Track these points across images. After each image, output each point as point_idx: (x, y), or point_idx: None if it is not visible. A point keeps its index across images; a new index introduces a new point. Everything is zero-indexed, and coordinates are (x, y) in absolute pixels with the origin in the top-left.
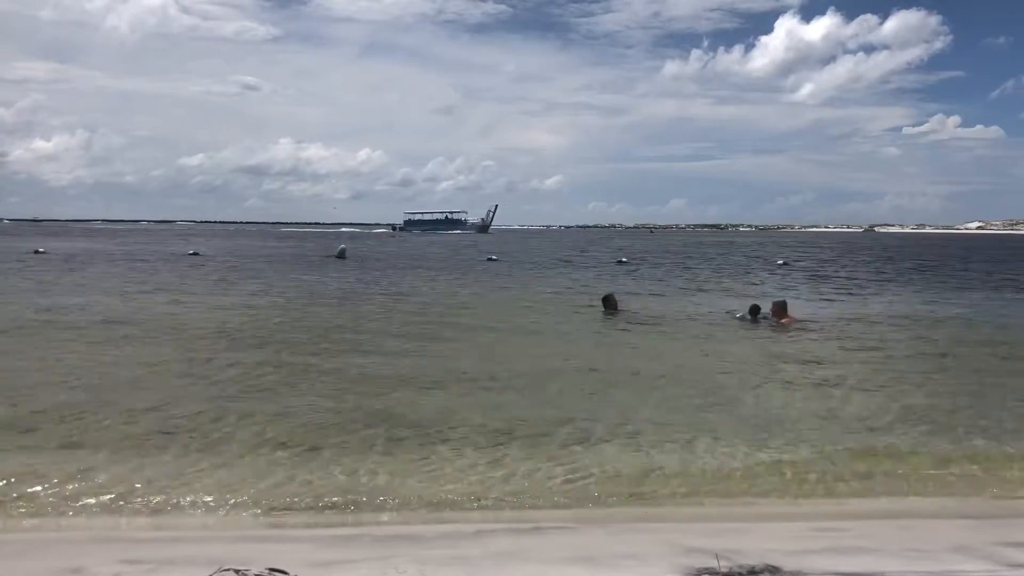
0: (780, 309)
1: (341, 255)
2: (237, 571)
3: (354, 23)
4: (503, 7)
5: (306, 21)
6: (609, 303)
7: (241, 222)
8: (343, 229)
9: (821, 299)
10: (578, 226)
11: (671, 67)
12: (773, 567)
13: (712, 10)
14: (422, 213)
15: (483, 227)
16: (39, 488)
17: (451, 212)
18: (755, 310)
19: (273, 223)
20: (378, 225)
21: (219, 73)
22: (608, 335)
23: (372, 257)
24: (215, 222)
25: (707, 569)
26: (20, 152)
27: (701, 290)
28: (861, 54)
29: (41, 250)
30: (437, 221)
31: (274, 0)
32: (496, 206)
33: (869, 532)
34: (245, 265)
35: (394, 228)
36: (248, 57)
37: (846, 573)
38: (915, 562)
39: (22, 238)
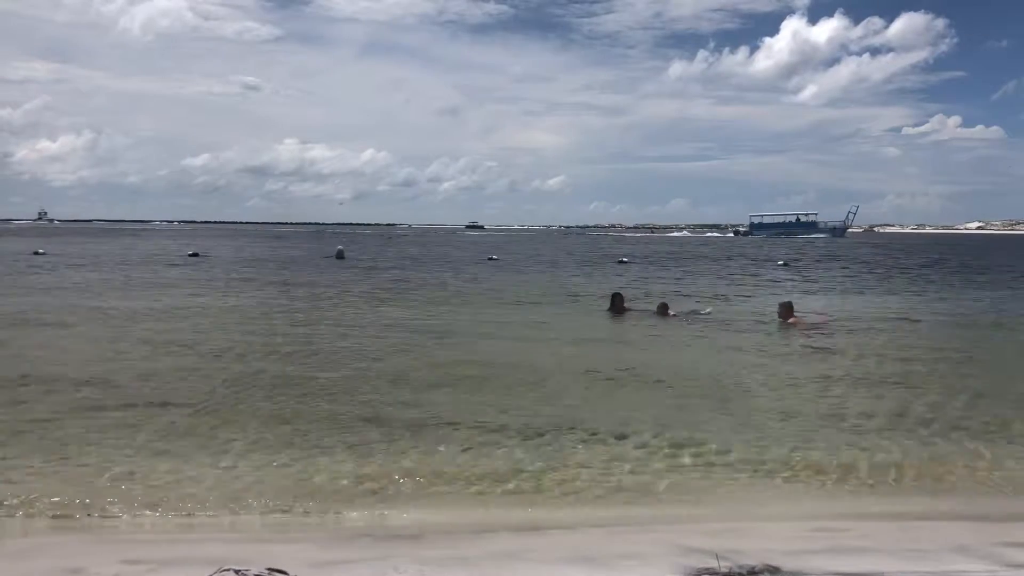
0: (787, 310)
1: (340, 256)
2: (237, 571)
3: (355, 23)
4: (504, 7)
5: (307, 21)
6: (616, 303)
7: (242, 222)
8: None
9: (822, 299)
10: (578, 226)
11: (676, 67)
12: (773, 567)
13: (715, 11)
14: (770, 215)
15: (840, 230)
16: (39, 488)
17: (803, 214)
18: (663, 307)
19: (274, 223)
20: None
21: (219, 73)
22: (611, 334)
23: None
24: (216, 222)
25: (707, 569)
26: (25, 152)
27: (702, 289)
28: (866, 56)
29: (41, 251)
30: (787, 224)
31: (275, 0)
32: (857, 207)
33: (869, 532)
34: (254, 268)
35: (736, 232)
36: (248, 57)
37: (846, 573)
38: (915, 562)
39: (25, 239)
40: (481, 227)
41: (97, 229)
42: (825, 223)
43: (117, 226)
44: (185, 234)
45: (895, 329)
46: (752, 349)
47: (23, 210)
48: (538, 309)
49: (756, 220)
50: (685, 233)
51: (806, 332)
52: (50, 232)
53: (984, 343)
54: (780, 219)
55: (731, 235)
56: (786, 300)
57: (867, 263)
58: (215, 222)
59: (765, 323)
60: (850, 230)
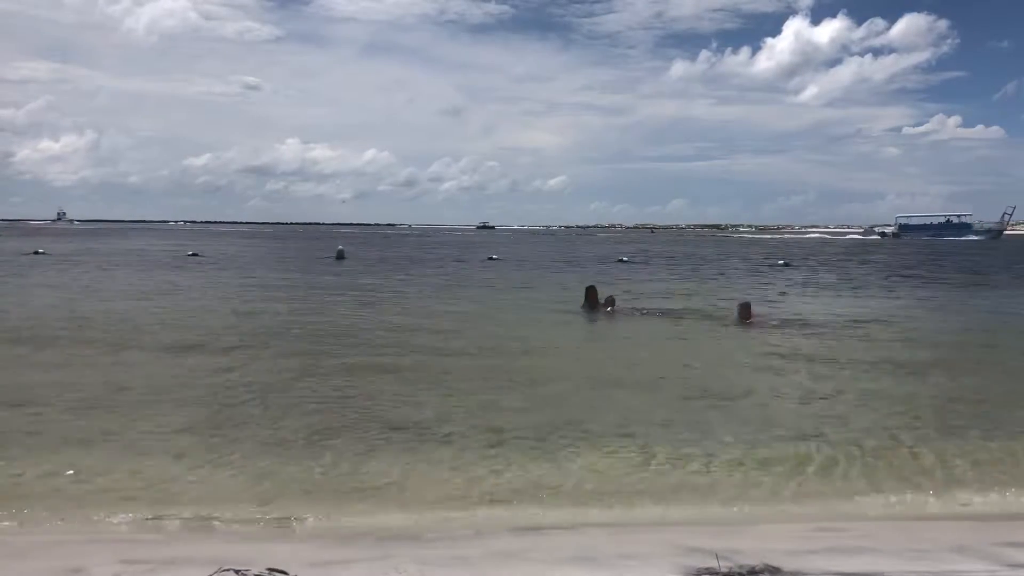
0: (746, 310)
1: (340, 256)
2: (237, 571)
3: (355, 23)
4: (505, 7)
5: (308, 21)
6: (590, 297)
7: (243, 222)
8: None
9: (820, 297)
10: (578, 226)
11: (678, 67)
12: (773, 567)
13: (715, 11)
14: (919, 216)
15: (996, 232)
16: (40, 488)
17: (955, 215)
18: (610, 301)
19: (275, 223)
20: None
21: (220, 73)
22: (604, 335)
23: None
24: (216, 222)
25: (707, 569)
26: (27, 152)
27: (699, 289)
28: (868, 56)
29: (40, 251)
30: (938, 225)
31: (276, 0)
32: (1014, 207)
33: (869, 532)
34: (256, 268)
35: (883, 234)
36: (248, 57)
37: (846, 573)
38: (915, 562)
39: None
40: (492, 227)
41: (116, 230)
42: (980, 224)
43: (137, 227)
44: (201, 234)
45: (876, 321)
46: (729, 348)
47: (24, 210)
48: (520, 307)
49: (904, 221)
50: (817, 234)
51: (767, 332)
52: (71, 233)
53: (974, 342)
54: (929, 220)
55: (875, 237)
56: (745, 300)
57: None
58: (216, 222)
59: (725, 322)
60: (1005, 232)
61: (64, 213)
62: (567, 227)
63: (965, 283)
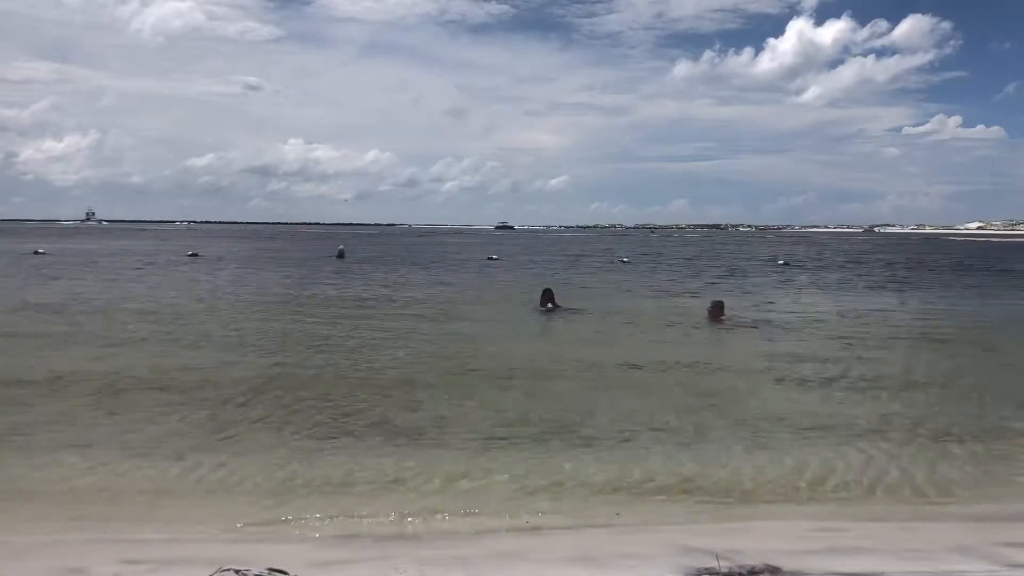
0: (717, 309)
1: (340, 255)
2: (237, 571)
3: (356, 23)
4: (505, 7)
5: (308, 21)
6: (546, 297)
7: (244, 222)
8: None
9: (818, 296)
10: (578, 226)
11: (681, 68)
12: (773, 567)
13: (716, 11)
14: None
15: None
16: (40, 488)
17: None
18: (550, 297)
19: (275, 223)
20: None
21: (220, 73)
22: (602, 336)
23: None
24: (217, 222)
25: (707, 569)
26: (30, 152)
27: (697, 289)
28: (871, 57)
29: (41, 251)
30: None
31: (276, 0)
32: None
33: (869, 532)
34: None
35: None
36: (249, 57)
37: (846, 573)
38: (915, 562)
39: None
40: (511, 227)
41: (152, 231)
42: None
43: (149, 227)
44: (204, 234)
45: (868, 320)
46: (729, 348)
47: (25, 210)
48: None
49: None
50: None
51: (735, 331)
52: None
53: (963, 341)
54: None
55: None
56: (717, 299)
57: None
58: (216, 222)
59: (697, 322)
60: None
61: (93, 213)
62: (567, 227)
63: None
